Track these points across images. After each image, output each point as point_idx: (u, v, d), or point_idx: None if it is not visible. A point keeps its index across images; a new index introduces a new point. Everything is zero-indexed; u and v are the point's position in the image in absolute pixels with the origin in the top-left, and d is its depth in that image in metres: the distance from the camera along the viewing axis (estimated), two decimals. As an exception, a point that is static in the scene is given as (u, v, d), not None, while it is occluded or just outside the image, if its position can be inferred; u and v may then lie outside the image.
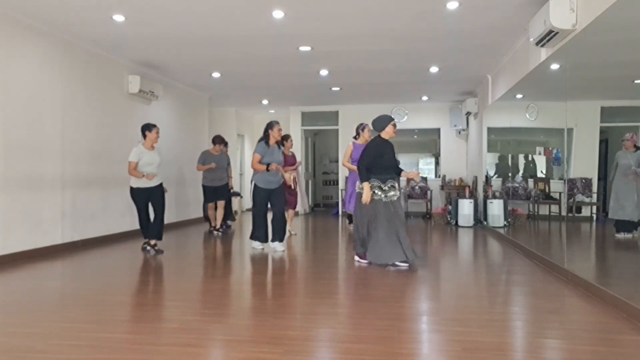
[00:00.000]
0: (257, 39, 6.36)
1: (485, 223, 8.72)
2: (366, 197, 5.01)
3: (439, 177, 11.69)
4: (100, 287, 4.33)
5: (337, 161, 12.32)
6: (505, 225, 7.95)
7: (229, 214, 8.66)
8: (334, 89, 9.81)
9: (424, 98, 10.90)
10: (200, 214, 10.26)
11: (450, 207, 9.52)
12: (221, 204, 7.94)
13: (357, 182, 5.25)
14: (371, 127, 5.37)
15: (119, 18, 5.56)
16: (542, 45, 5.07)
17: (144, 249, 6.05)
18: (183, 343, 2.79)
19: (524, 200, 7.44)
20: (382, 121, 5.21)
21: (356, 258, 5.36)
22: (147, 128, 5.83)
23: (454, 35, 6.20)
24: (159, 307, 3.66)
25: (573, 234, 5.71)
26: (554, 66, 5.41)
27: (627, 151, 5.33)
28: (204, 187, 7.93)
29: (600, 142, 5.65)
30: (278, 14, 5.44)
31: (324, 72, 8.32)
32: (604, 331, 3.06)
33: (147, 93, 7.85)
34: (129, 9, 5.32)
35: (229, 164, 8.25)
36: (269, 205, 6.11)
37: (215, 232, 7.94)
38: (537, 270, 4.91)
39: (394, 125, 5.20)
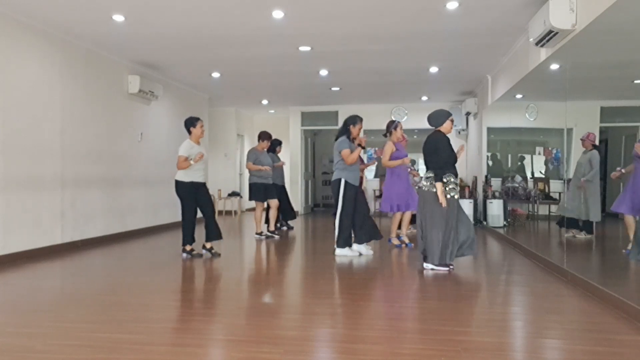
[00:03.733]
0: (257, 39, 6.36)
1: (484, 223, 8.72)
2: (442, 198, 4.66)
3: (439, 177, 11.67)
4: (100, 287, 4.33)
5: (337, 161, 12.30)
6: (504, 225, 7.96)
7: (289, 212, 8.20)
8: (333, 89, 9.80)
9: (424, 98, 10.90)
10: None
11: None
12: (274, 203, 7.35)
13: (424, 181, 4.90)
14: (427, 123, 5.11)
15: (119, 18, 5.55)
16: (542, 45, 5.07)
17: (189, 252, 5.61)
18: (183, 343, 2.79)
19: (524, 200, 7.45)
20: (440, 116, 4.92)
21: (451, 268, 4.81)
22: (190, 123, 5.57)
23: (454, 35, 6.20)
24: (159, 307, 3.65)
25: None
26: (554, 66, 5.42)
27: (585, 150, 5.45)
28: (254, 185, 7.24)
29: (600, 142, 5.65)
30: (278, 14, 5.44)
31: (324, 72, 8.32)
32: (604, 331, 3.06)
33: (147, 93, 7.84)
34: (129, 9, 5.31)
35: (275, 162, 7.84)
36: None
37: (266, 235, 7.25)
38: (537, 271, 4.91)
39: (452, 121, 4.94)
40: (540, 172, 7.14)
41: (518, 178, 7.58)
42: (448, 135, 4.94)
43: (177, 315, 3.42)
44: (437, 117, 4.94)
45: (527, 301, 3.93)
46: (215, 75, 8.51)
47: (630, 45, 4.20)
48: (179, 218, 9.13)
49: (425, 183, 4.87)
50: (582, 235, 5.65)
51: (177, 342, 2.81)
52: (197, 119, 5.64)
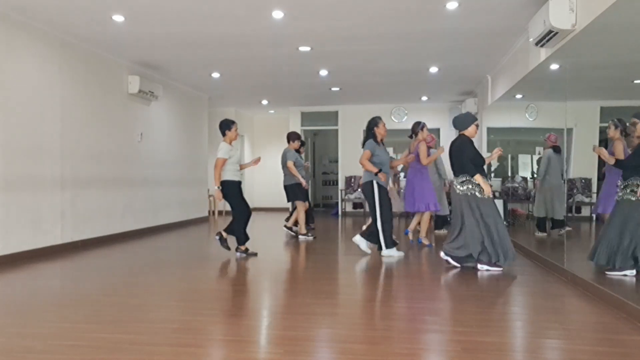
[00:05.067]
0: (257, 39, 6.36)
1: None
2: (487, 188, 4.74)
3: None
4: (100, 287, 4.33)
5: (336, 161, 12.31)
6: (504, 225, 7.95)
7: (310, 215, 8.12)
8: (333, 89, 9.81)
9: (424, 98, 10.90)
10: (202, 214, 10.29)
11: (450, 207, 9.50)
12: (302, 204, 7.27)
13: (459, 185, 4.87)
14: (451, 126, 5.13)
15: (118, 18, 5.55)
16: (542, 46, 5.07)
17: (244, 252, 5.71)
18: (183, 343, 2.79)
19: (524, 200, 7.45)
20: (466, 120, 4.99)
21: (486, 267, 4.83)
22: (227, 126, 5.61)
23: (454, 35, 6.20)
24: (158, 307, 3.66)
25: (573, 234, 5.72)
26: (554, 66, 5.42)
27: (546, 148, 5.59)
28: (294, 186, 7.21)
29: (600, 142, 5.66)
30: (278, 14, 5.44)
31: (323, 72, 8.32)
32: (604, 331, 3.06)
33: (147, 93, 7.84)
34: (129, 9, 5.31)
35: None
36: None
37: (305, 238, 7.26)
38: (537, 271, 4.91)
39: (477, 126, 4.99)
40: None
41: (518, 178, 7.59)
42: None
43: (178, 315, 3.42)
44: (463, 121, 5.01)
45: (527, 301, 3.93)
46: (215, 75, 8.51)
47: (630, 45, 4.20)
48: (178, 218, 9.22)
49: (460, 187, 4.86)
50: (544, 234, 5.78)
51: (177, 342, 2.81)
52: (233, 122, 5.70)
